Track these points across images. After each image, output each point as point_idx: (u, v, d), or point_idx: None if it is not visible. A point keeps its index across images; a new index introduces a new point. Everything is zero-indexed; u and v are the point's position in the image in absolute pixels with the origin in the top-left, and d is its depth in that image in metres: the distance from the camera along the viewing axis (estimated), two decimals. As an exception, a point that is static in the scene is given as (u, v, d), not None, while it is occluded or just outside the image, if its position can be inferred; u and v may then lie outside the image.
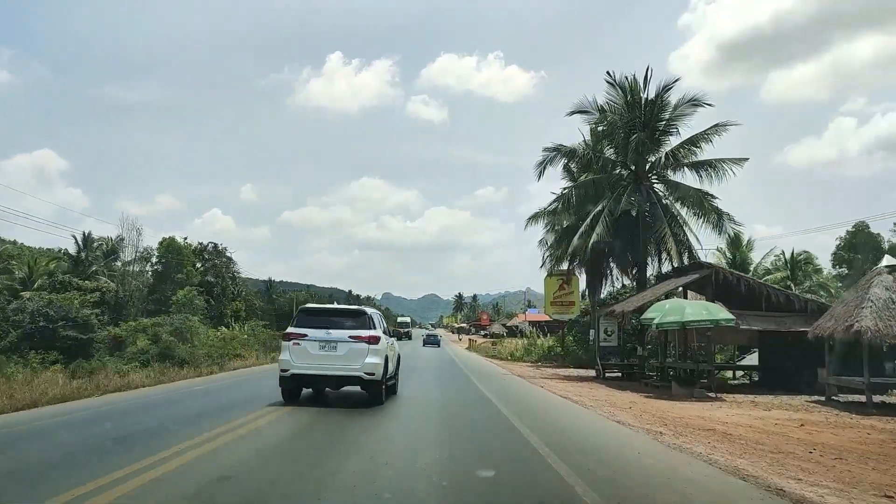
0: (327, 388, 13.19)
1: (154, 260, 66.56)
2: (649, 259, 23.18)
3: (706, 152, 22.19)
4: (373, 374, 12.02)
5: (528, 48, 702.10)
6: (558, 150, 23.93)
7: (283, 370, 12.22)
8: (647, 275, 23.57)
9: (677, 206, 22.55)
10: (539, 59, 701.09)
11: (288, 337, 12.41)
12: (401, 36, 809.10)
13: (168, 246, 66.49)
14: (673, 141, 22.70)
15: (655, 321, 16.06)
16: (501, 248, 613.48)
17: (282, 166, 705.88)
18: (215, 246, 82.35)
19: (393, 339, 15.01)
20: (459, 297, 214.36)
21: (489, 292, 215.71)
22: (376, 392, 12.35)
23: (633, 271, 23.95)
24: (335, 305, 15.72)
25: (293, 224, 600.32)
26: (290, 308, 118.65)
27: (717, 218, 21.04)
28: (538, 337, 44.97)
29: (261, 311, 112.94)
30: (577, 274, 33.84)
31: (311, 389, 13.25)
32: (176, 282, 63.14)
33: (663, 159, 22.38)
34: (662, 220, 21.77)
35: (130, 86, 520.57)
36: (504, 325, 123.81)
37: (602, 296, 34.14)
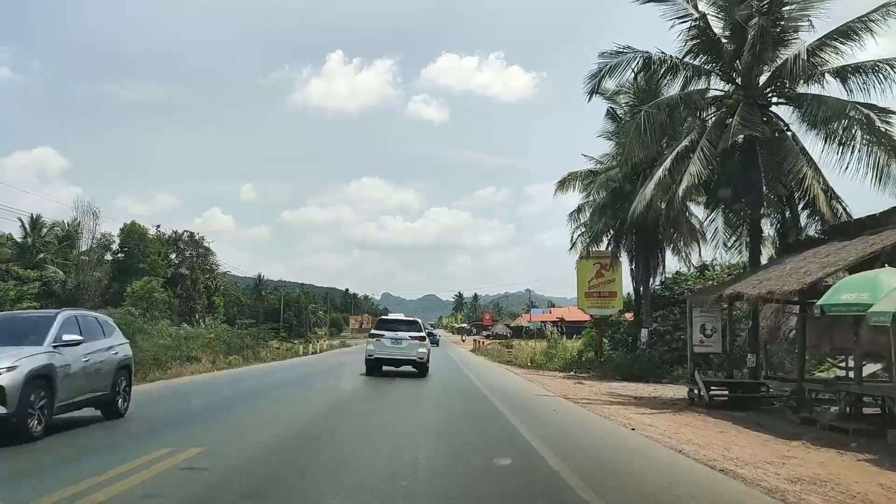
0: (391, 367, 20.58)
1: (115, 248, 58.66)
2: (769, 219, 15.10)
3: (858, 52, 14.41)
4: (422, 359, 20.37)
5: (530, 48, 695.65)
6: (622, 56, 15.75)
7: (368, 356, 20.44)
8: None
9: (810, 136, 14.54)
10: (540, 60, 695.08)
11: (372, 335, 21.10)
12: (402, 36, 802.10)
13: (129, 232, 58.40)
14: (800, 41, 14.78)
15: (877, 310, 8.11)
16: (501, 249, 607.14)
17: (281, 165, 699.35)
18: (191, 235, 74.48)
19: (428, 337, 23.47)
20: (459, 296, 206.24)
21: (488, 293, 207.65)
22: (423, 369, 20.57)
23: (740, 236, 15.81)
24: (401, 317, 25.38)
25: (293, 223, 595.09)
26: (279, 306, 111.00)
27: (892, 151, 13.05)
28: (560, 338, 36.90)
29: (248, 308, 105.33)
30: (619, 257, 25.93)
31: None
32: (138, 272, 55.31)
33: (791, 65, 14.31)
34: (796, 154, 13.81)
35: (131, 84, 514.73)
36: (508, 325, 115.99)
37: (654, 283, 26.24)
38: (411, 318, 23.48)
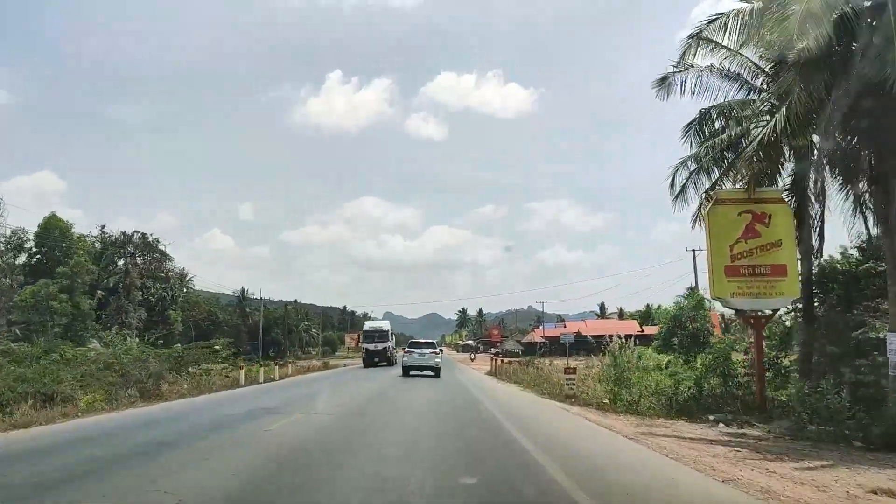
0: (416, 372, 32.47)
1: (30, 247, 45.83)
2: None
3: None
4: (437, 365, 32.67)
5: (528, 65, 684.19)
6: None
7: (404, 364, 33.18)
8: None
9: None
10: (538, 76, 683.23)
11: (406, 352, 34.40)
12: (400, 54, 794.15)
13: (46, 228, 45.53)
14: None
15: None
16: (501, 266, 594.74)
17: (280, 184, 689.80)
18: (143, 237, 61.76)
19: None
20: (463, 312, 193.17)
21: (490, 310, 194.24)
22: (437, 372, 32.40)
23: None
24: (424, 340, 37.98)
25: (292, 243, 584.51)
26: (265, 324, 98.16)
27: None
28: (632, 352, 23.71)
29: (227, 325, 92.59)
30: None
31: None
32: (57, 277, 42.62)
33: None
34: None
35: (130, 106, 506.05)
36: (518, 341, 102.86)
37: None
38: (430, 341, 37.82)
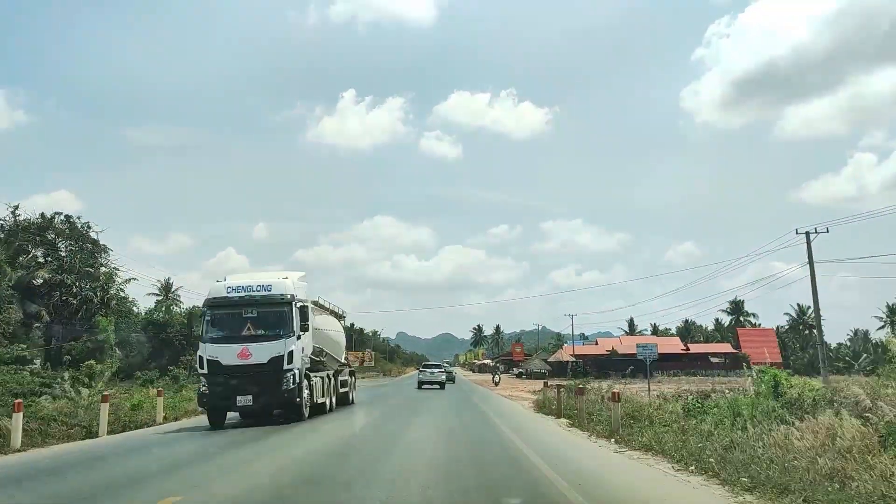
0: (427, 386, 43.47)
1: None
2: None
3: None
4: (443, 381, 46.29)
5: (541, 84, 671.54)
6: None
7: (419, 381, 45.67)
8: None
9: None
10: (552, 96, 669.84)
11: (420, 371, 49.27)
12: (413, 74, 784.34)
13: None
14: None
15: None
16: (515, 287, 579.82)
17: (294, 204, 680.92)
18: (68, 219, 47.97)
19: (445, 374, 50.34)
20: (478, 330, 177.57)
21: (504, 331, 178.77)
22: (443, 385, 45.24)
23: None
24: (432, 362, 58.05)
25: (306, 263, 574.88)
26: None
27: None
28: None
29: (196, 339, 78.50)
30: None
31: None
32: None
33: None
34: None
35: (144, 127, 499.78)
36: (545, 360, 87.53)
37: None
38: (437, 363, 58.66)
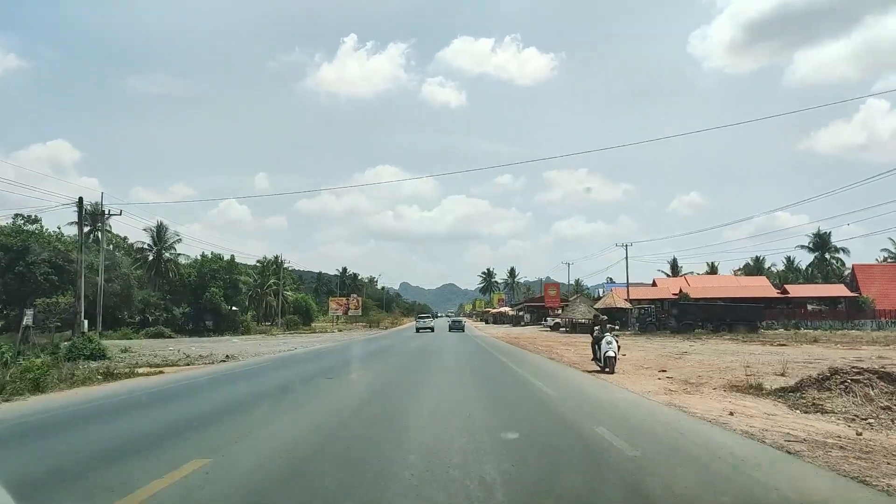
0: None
1: None
2: None
3: None
4: (432, 327, 68.02)
5: (546, 30, 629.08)
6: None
7: (416, 327, 67.27)
8: None
9: None
10: (557, 42, 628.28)
11: (417, 319, 78.55)
12: (415, 19, 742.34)
13: None
14: None
15: None
16: (519, 237, 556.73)
17: (295, 154, 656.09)
18: None
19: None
20: (488, 274, 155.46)
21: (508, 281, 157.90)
22: (433, 328, 66.25)
23: None
24: (424, 314, 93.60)
25: (309, 213, 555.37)
26: (200, 282, 62.64)
27: None
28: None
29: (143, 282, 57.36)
30: None
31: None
32: None
33: None
34: None
35: (142, 75, 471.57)
36: (594, 307, 65.18)
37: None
38: (428, 313, 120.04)
